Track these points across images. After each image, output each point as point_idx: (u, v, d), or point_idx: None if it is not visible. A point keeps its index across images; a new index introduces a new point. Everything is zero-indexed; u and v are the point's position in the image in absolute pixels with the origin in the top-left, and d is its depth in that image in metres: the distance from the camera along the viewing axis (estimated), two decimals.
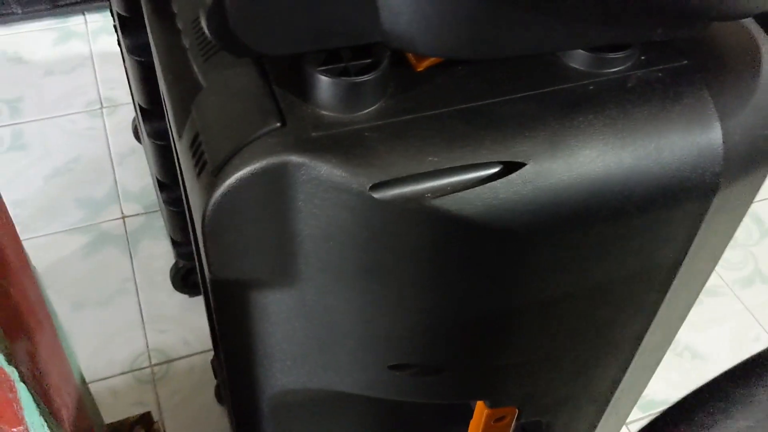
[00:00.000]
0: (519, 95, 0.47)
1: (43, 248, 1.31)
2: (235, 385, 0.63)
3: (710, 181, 0.47)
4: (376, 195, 0.44)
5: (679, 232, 0.50)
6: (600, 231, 0.48)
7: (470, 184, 0.44)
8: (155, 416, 1.04)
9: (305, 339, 0.55)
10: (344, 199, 0.44)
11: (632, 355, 0.61)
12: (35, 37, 1.63)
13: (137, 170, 1.42)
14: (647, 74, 0.48)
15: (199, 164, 0.47)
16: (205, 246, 0.48)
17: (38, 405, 0.48)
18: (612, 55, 0.48)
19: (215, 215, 0.45)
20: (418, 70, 0.49)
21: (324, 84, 0.45)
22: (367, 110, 0.46)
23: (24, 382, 0.45)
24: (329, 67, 0.45)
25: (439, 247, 0.47)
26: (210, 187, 0.45)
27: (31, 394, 0.47)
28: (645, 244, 0.50)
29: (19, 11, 1.58)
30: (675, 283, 0.55)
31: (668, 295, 0.56)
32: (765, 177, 0.51)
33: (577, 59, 0.48)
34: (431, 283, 0.49)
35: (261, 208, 0.46)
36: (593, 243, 0.48)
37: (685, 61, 0.48)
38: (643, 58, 0.49)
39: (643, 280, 0.53)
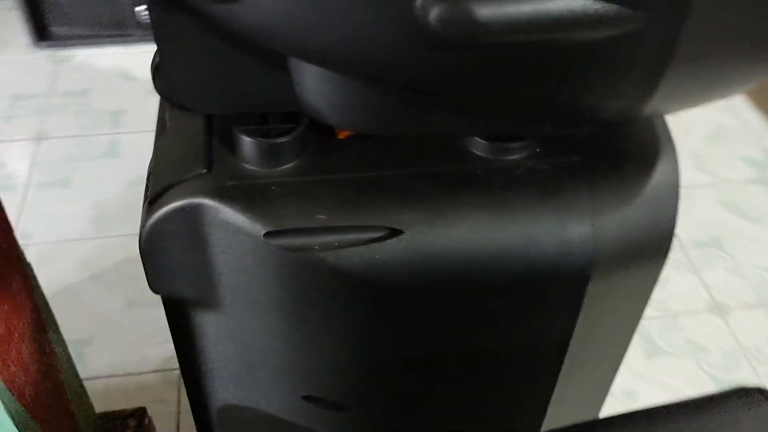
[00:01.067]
0: (414, 171, 0.52)
1: (116, 247, 1.46)
2: (190, 394, 0.71)
3: (580, 271, 0.51)
4: (270, 241, 0.51)
5: (558, 313, 0.54)
6: (475, 300, 0.52)
7: (353, 243, 0.51)
8: (175, 415, 1.14)
9: (234, 359, 0.63)
10: (246, 241, 0.52)
11: (540, 422, 0.64)
12: (146, 58, 1.82)
13: None
14: (536, 165, 0.52)
15: (146, 195, 0.56)
16: (143, 264, 0.56)
17: None
18: (506, 145, 0.52)
19: (147, 239, 0.54)
20: (340, 137, 0.56)
21: (245, 142, 0.52)
22: (282, 167, 0.53)
23: None
24: (251, 127, 0.53)
25: (326, 294, 0.53)
26: (145, 216, 0.54)
27: None
28: (524, 318, 0.54)
29: (137, 34, 1.78)
30: (570, 358, 0.58)
31: (567, 368, 0.59)
32: (653, 273, 0.54)
33: (476, 145, 0.53)
34: (323, 326, 0.55)
35: (183, 239, 0.54)
36: (470, 310, 0.53)
37: (576, 158, 0.52)
38: (538, 150, 0.53)
39: (532, 351, 0.57)
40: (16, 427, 0.63)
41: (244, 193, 0.52)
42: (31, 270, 0.70)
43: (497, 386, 0.61)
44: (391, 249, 0.50)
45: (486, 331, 0.55)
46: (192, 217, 0.52)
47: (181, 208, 0.52)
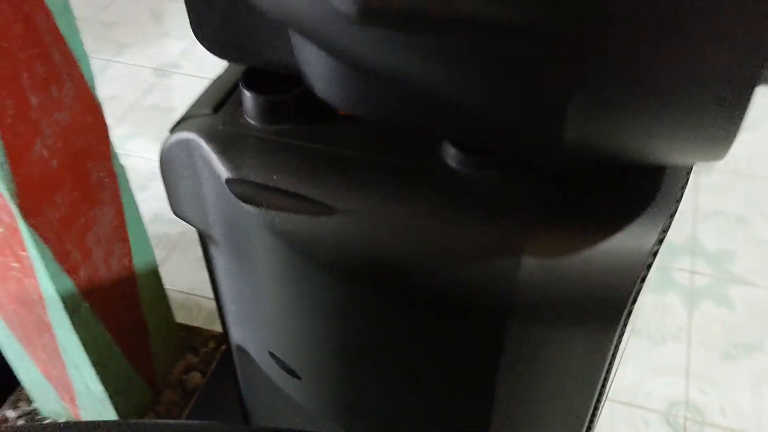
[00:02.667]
0: (381, 159, 0.52)
1: None
2: (223, 329, 0.77)
3: (497, 307, 0.47)
4: (229, 187, 0.54)
5: (477, 345, 0.50)
6: (395, 301, 0.50)
7: (293, 209, 0.52)
8: None
9: (234, 298, 0.67)
10: (216, 182, 0.55)
11: None
12: None
13: None
14: (494, 186, 0.48)
15: None
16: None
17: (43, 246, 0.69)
18: (472, 157, 0.49)
19: (161, 164, 0.60)
20: (341, 113, 0.56)
21: (245, 94, 0.56)
22: (274, 125, 0.56)
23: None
24: (255, 82, 0.56)
25: (268, 254, 0.55)
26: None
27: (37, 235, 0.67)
28: (443, 337, 0.51)
29: None
30: (505, 401, 0.53)
31: (502, 414, 0.54)
32: (594, 339, 0.47)
33: (446, 150, 0.51)
34: (271, 285, 0.57)
35: (183, 168, 0.59)
36: (390, 308, 0.51)
37: (543, 190, 0.48)
38: (509, 171, 0.49)
39: (459, 373, 0.53)
40: (67, 301, 0.74)
41: (226, 138, 0.55)
42: (123, 173, 0.81)
43: (433, 391, 0.58)
44: (321, 225, 0.51)
45: (406, 336, 0.52)
46: (187, 149, 0.57)
47: (179, 140, 0.57)
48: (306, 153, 0.53)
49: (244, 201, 0.53)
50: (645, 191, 0.48)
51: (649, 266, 0.47)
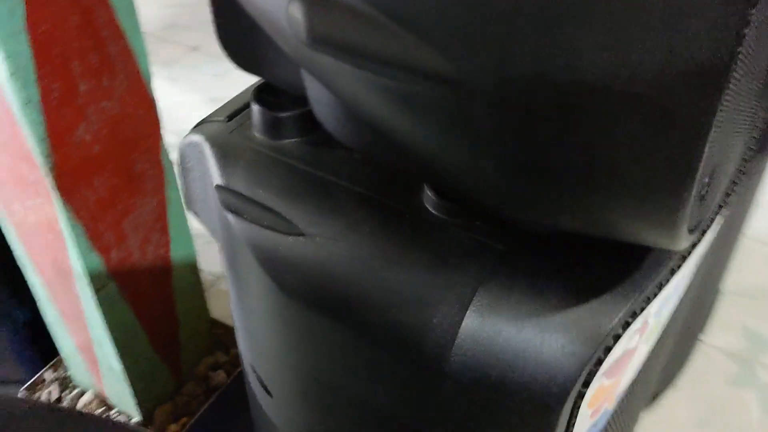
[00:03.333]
0: (363, 192, 0.51)
1: None
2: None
3: (432, 365, 0.45)
4: (218, 194, 0.55)
5: (419, 388, 0.48)
6: (348, 334, 0.50)
7: (268, 225, 0.52)
8: None
9: (233, 302, 0.68)
10: (210, 185, 0.57)
11: None
12: None
13: None
14: (457, 237, 0.47)
15: None
16: None
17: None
18: (444, 202, 0.48)
19: (179, 160, 0.62)
20: None
21: (253, 107, 0.57)
22: (274, 140, 0.56)
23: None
24: (264, 97, 0.57)
25: (243, 265, 0.55)
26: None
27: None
28: (392, 375, 0.49)
29: None
30: None
31: None
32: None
33: (424, 192, 0.49)
34: (250, 299, 0.57)
35: (195, 167, 0.61)
36: (343, 339, 0.50)
37: (500, 246, 0.45)
38: (478, 223, 0.47)
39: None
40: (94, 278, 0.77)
41: (226, 146, 0.56)
42: (171, 168, 0.84)
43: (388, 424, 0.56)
44: (290, 246, 0.50)
45: (355, 366, 0.51)
46: (197, 151, 0.59)
47: (191, 142, 0.59)
48: (294, 172, 0.54)
49: (226, 209, 0.54)
50: (621, 269, 0.44)
51: (608, 350, 0.43)
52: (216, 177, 0.55)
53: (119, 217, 0.79)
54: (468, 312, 0.44)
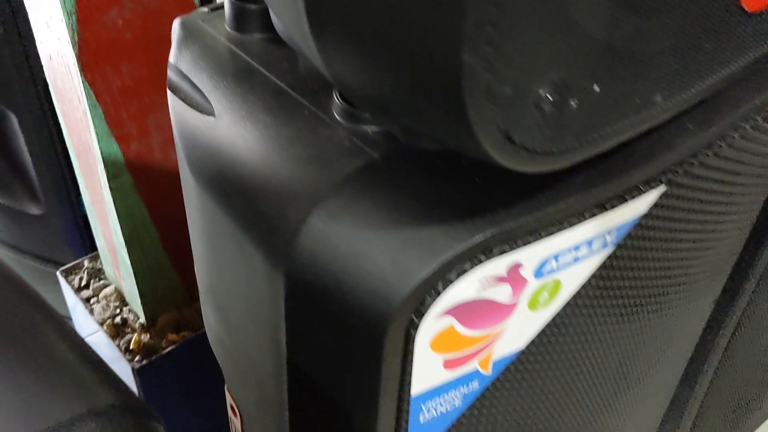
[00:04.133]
0: (281, 84, 0.50)
1: None
2: None
3: (280, 249, 0.42)
4: (170, 73, 0.56)
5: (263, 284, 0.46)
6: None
7: (193, 104, 0.52)
8: None
9: None
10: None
11: None
12: None
13: None
14: (338, 132, 0.44)
15: None
16: None
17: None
18: (343, 106, 0.45)
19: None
20: None
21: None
22: (238, 33, 0.56)
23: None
24: None
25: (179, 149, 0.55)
26: None
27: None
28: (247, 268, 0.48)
29: None
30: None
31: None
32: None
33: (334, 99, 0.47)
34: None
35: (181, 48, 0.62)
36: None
37: (376, 155, 0.42)
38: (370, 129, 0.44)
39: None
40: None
41: (190, 31, 0.57)
42: None
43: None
44: (201, 125, 0.50)
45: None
46: (182, 33, 0.60)
47: (177, 23, 0.60)
48: (233, 60, 0.53)
49: (169, 86, 0.55)
50: (495, 203, 0.40)
51: (448, 281, 0.39)
52: (171, 56, 0.56)
53: (144, 111, 0.82)
54: (316, 210, 0.41)
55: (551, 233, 0.41)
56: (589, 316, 0.49)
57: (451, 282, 0.39)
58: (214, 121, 0.49)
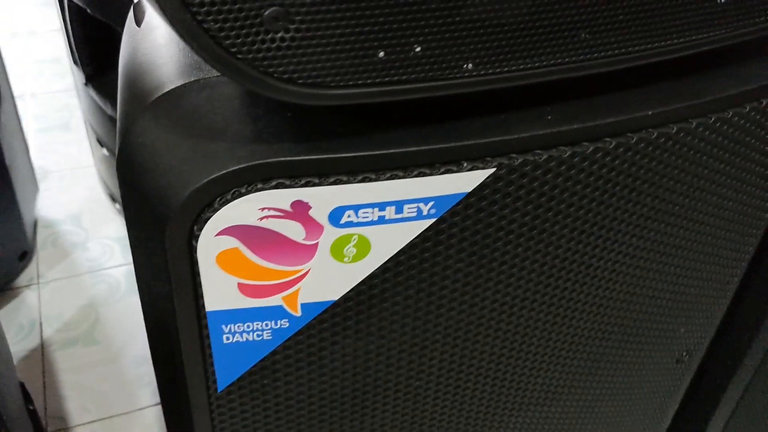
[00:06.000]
0: None
1: None
2: None
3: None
4: None
5: None
6: None
7: (134, 15, 0.57)
8: None
9: None
10: None
11: None
12: None
13: None
14: None
15: None
16: None
17: None
18: None
19: None
20: None
21: None
22: None
23: None
24: None
25: None
26: None
27: None
28: None
29: None
30: None
31: None
32: None
33: None
34: None
35: None
36: None
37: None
38: None
39: None
40: None
41: None
42: None
43: None
44: (131, 37, 0.55)
45: None
46: None
47: None
48: None
49: (135, 17, 0.60)
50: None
51: (221, 196, 0.40)
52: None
53: None
54: (146, 107, 0.44)
55: (342, 181, 0.41)
56: (409, 287, 0.48)
57: (228, 201, 0.41)
58: (139, 29, 0.54)
